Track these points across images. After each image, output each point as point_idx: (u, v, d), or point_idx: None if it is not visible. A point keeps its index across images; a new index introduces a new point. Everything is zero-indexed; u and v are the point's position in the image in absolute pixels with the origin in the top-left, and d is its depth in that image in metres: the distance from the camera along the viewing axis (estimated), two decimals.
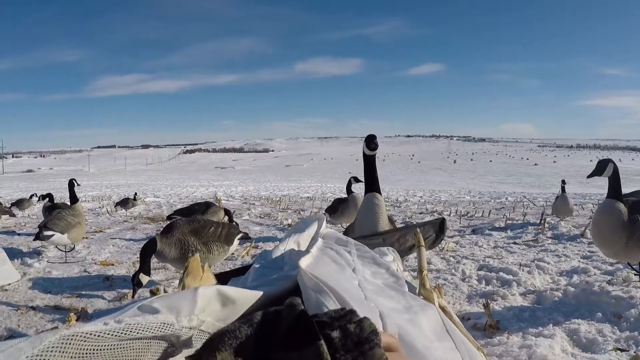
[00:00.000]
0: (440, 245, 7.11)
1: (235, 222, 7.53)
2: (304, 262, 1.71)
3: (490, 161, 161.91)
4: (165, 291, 4.78)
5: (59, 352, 0.89)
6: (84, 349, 0.93)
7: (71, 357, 0.90)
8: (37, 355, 0.86)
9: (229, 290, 1.35)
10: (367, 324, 0.90)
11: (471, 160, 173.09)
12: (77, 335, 0.92)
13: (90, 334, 0.94)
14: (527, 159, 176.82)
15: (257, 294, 1.49)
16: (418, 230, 2.64)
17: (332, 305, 1.39)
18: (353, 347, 0.86)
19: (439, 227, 4.47)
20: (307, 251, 1.97)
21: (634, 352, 3.07)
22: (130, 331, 1.01)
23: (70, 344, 0.90)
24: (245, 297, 1.42)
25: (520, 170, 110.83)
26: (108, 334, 0.97)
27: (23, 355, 0.84)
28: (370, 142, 4.49)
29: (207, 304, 1.25)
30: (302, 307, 0.92)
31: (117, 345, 1.00)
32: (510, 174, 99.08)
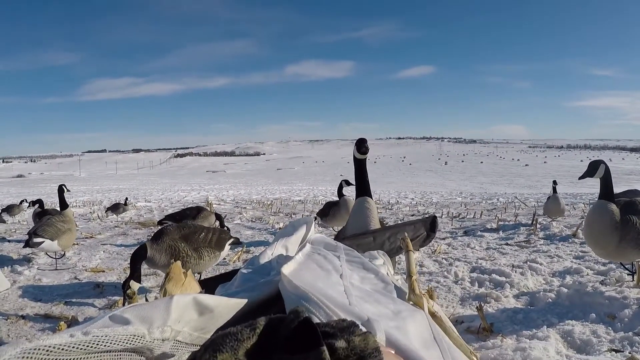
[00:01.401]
0: (432, 248, 7.12)
1: (227, 227, 7.50)
2: (287, 269, 1.69)
3: (482, 162, 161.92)
4: (147, 298, 4.75)
5: None
6: None
7: None
8: None
9: (206, 298, 1.31)
10: (372, 340, 0.89)
11: (462, 161, 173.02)
12: (39, 349, 0.88)
13: (54, 347, 0.90)
14: (518, 159, 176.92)
15: (236, 302, 1.46)
16: (406, 234, 2.62)
17: (313, 312, 1.37)
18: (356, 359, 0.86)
19: (429, 225, 4.45)
20: (293, 257, 1.95)
21: (629, 353, 3.06)
22: (98, 344, 0.97)
23: (32, 357, 0.87)
24: (224, 305, 1.39)
25: (511, 171, 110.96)
26: (73, 347, 0.93)
27: None
28: (361, 145, 4.46)
29: (183, 314, 1.21)
30: (307, 315, 0.90)
31: (84, 358, 0.96)
32: (501, 174, 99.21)
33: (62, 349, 0.91)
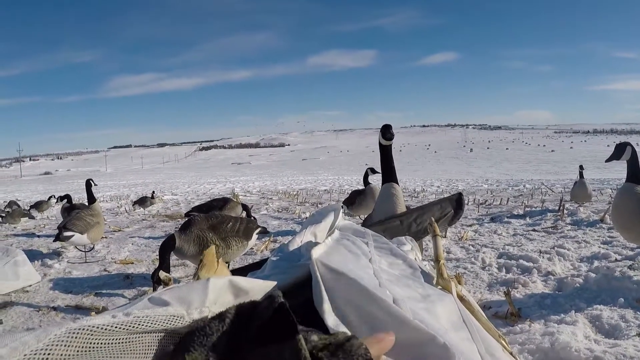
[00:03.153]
0: (459, 234, 7.11)
1: (254, 217, 7.53)
2: (316, 252, 1.71)
3: (507, 149, 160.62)
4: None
5: (65, 345, 0.87)
6: (91, 343, 0.91)
7: (77, 351, 0.89)
8: (41, 350, 0.84)
9: (241, 280, 1.33)
10: (357, 345, 0.87)
11: (488, 148, 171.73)
12: (84, 329, 0.90)
13: (98, 327, 0.92)
14: (544, 145, 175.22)
15: (270, 284, 1.48)
16: (432, 219, 2.62)
17: (342, 292, 1.39)
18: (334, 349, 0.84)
19: (456, 203, 4.43)
20: (322, 242, 1.97)
21: None
22: (139, 324, 0.99)
23: (76, 337, 0.89)
24: (258, 287, 1.41)
25: (537, 157, 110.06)
26: (116, 327, 0.95)
27: (27, 349, 0.83)
28: (386, 131, 4.46)
29: (219, 296, 1.23)
30: (282, 300, 0.90)
31: (126, 339, 0.98)
32: (527, 161, 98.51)
33: (105, 329, 0.94)
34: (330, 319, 1.29)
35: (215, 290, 1.23)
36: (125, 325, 0.98)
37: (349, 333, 0.95)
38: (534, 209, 10.38)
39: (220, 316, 0.93)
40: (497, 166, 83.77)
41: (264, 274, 1.88)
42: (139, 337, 1.02)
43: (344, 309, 1.38)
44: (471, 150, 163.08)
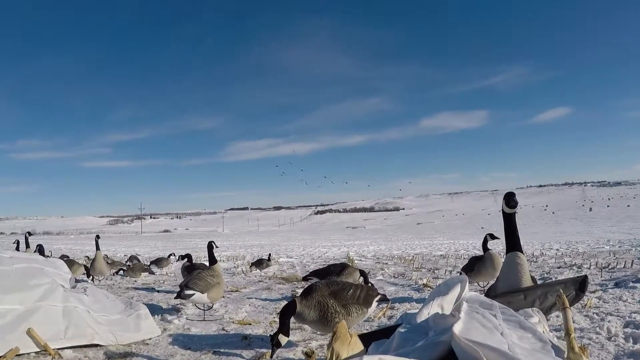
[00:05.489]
0: (582, 302, 6.82)
1: (371, 283, 7.53)
2: (457, 328, 1.72)
3: (629, 206, 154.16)
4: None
5: None
6: None
7: None
8: None
9: (390, 359, 1.37)
10: None
11: (608, 206, 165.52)
12: None
13: None
14: None
15: None
16: (562, 291, 2.57)
17: None
18: None
19: (579, 285, 4.31)
20: (453, 315, 1.97)
21: None
22: None
23: None
24: None
25: None
26: None
27: None
28: (510, 199, 4.43)
29: None
30: None
31: None
32: None
33: None
34: None
35: None
36: None
37: None
38: None
39: None
40: (619, 225, 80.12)
41: (396, 346, 1.89)
42: None
43: None
44: (590, 209, 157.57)
